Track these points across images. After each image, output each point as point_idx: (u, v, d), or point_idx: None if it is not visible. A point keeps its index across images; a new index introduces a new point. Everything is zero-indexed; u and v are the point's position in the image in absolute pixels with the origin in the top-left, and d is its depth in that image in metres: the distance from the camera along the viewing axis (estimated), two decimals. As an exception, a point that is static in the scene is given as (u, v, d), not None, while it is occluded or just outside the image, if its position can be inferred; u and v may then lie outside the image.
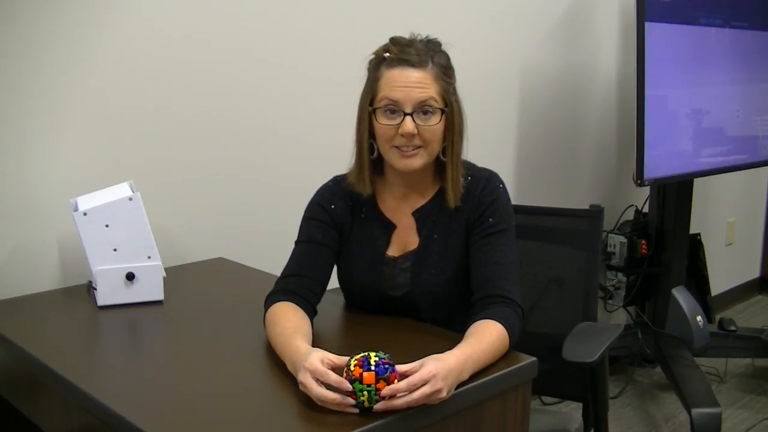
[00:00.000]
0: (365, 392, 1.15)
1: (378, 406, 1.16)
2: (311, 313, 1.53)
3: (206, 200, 2.11)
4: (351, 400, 1.16)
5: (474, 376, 1.30)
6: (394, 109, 1.48)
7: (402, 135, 1.48)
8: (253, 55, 2.15)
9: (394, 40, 1.52)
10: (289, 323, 1.42)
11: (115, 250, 1.70)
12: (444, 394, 1.20)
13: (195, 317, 1.67)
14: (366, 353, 1.18)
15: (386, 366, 1.16)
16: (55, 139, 1.83)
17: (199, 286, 1.89)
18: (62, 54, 1.81)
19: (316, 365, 1.19)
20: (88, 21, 1.84)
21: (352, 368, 1.17)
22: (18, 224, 1.79)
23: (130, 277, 1.69)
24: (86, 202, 1.73)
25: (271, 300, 1.52)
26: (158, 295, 1.72)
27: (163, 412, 1.21)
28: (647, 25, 2.78)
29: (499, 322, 1.41)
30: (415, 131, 1.48)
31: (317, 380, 1.18)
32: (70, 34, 1.82)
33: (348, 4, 2.33)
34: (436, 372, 1.19)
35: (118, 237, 1.70)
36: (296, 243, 1.61)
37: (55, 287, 1.85)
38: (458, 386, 1.26)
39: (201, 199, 2.10)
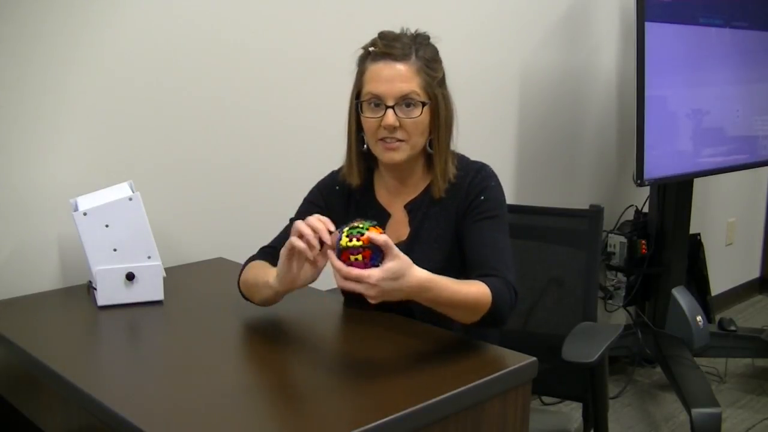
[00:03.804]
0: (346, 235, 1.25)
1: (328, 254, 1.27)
2: None
3: (206, 200, 2.11)
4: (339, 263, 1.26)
5: (474, 377, 1.31)
6: (378, 102, 1.53)
7: (384, 127, 1.52)
8: (254, 56, 2.15)
9: (382, 35, 1.57)
10: (265, 267, 1.56)
11: (115, 250, 1.70)
12: (372, 294, 1.25)
13: (195, 317, 1.67)
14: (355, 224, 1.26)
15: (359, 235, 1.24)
16: (55, 139, 1.83)
17: (199, 286, 1.89)
18: (62, 54, 1.81)
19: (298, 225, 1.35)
20: (89, 21, 1.84)
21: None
22: (18, 224, 1.79)
23: (130, 277, 1.69)
24: (86, 202, 1.73)
25: (245, 263, 1.65)
26: (158, 295, 1.72)
27: (163, 412, 1.21)
28: (647, 25, 2.78)
29: (489, 288, 1.42)
30: (397, 123, 1.52)
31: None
32: (71, 34, 1.82)
33: (348, 3, 2.33)
34: (376, 282, 1.23)
35: (118, 237, 1.70)
36: (290, 220, 1.69)
37: (55, 287, 1.85)
38: (458, 387, 1.27)
39: (201, 199, 2.10)
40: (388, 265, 1.24)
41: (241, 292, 1.62)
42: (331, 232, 1.33)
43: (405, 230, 1.63)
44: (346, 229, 1.26)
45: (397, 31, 1.57)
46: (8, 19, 1.72)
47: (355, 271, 1.23)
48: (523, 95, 2.98)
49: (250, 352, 1.51)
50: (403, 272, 1.26)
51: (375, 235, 1.24)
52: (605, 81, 3.32)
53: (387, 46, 1.53)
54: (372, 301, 1.26)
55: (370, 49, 1.55)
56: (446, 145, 1.59)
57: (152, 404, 1.25)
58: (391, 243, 1.25)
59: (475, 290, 1.40)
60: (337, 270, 1.25)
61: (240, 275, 1.63)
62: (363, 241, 1.23)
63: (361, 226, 1.25)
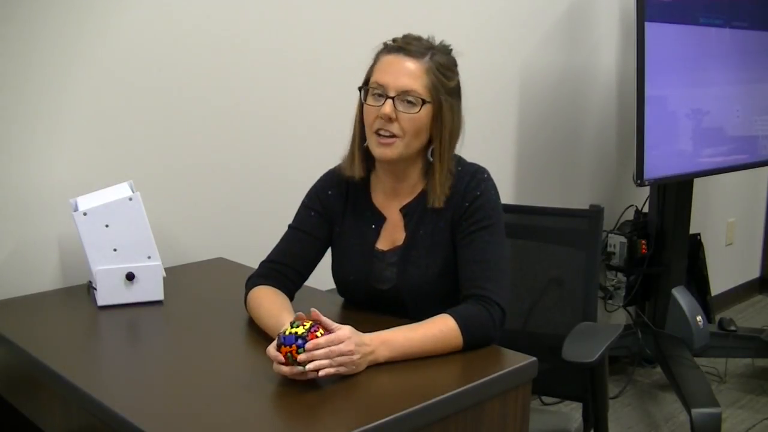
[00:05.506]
0: (288, 356, 1.27)
1: (301, 356, 1.26)
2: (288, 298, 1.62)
3: (206, 200, 2.11)
4: (292, 369, 1.27)
5: (474, 376, 1.31)
6: (381, 92, 1.52)
7: (380, 117, 1.51)
8: (254, 55, 2.15)
9: (405, 34, 1.57)
10: (273, 305, 1.53)
11: (115, 250, 1.70)
12: (356, 358, 1.29)
13: (195, 317, 1.67)
14: (283, 329, 1.30)
15: (292, 335, 1.28)
16: (55, 139, 1.83)
17: (199, 286, 1.89)
18: (62, 54, 1.81)
19: (268, 350, 1.30)
20: (88, 21, 1.84)
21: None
22: (18, 224, 1.79)
23: (130, 277, 1.69)
24: (86, 202, 1.73)
25: (251, 283, 1.62)
26: (158, 295, 1.72)
27: (163, 412, 1.21)
28: (647, 25, 2.78)
29: (453, 317, 1.42)
30: (393, 115, 1.50)
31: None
32: (70, 35, 1.82)
33: (349, 4, 2.33)
34: (349, 335, 1.29)
35: (118, 237, 1.70)
36: (289, 227, 1.68)
37: (55, 287, 1.85)
38: (458, 387, 1.27)
39: (201, 199, 2.10)
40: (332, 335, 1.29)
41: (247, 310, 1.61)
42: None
43: (401, 234, 1.61)
44: (289, 355, 1.27)
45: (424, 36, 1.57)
46: (8, 19, 1.72)
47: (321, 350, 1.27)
48: (523, 95, 2.98)
49: (249, 352, 1.51)
50: (352, 334, 1.31)
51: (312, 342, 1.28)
52: (605, 81, 3.32)
53: (404, 42, 1.54)
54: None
55: (388, 42, 1.56)
56: (448, 157, 1.56)
57: (152, 404, 1.25)
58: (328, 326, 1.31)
59: (437, 330, 1.41)
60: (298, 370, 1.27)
61: (246, 297, 1.60)
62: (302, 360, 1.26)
63: (297, 348, 1.27)
